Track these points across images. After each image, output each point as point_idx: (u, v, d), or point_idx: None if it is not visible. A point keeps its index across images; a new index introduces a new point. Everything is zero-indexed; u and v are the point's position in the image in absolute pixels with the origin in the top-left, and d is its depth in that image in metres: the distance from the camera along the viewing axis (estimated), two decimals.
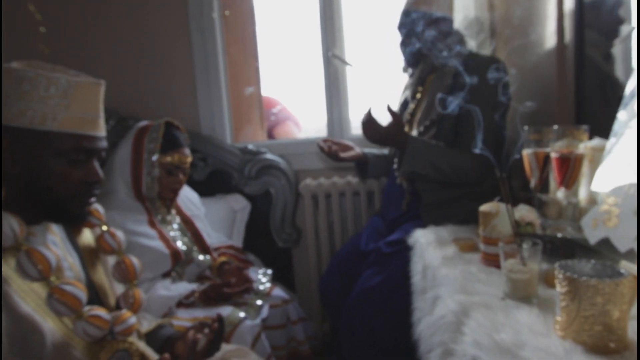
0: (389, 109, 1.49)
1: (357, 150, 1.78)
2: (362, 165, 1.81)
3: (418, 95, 1.65)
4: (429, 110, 1.55)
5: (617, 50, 1.19)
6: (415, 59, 1.63)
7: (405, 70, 1.71)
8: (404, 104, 1.73)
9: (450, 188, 1.51)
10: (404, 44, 1.63)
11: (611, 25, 1.16)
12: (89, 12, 2.12)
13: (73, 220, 0.97)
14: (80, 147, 0.90)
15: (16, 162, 0.87)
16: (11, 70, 0.86)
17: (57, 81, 0.87)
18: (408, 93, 1.72)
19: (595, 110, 1.25)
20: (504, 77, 1.44)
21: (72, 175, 0.91)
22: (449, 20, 1.59)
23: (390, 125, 1.48)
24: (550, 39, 1.46)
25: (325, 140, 1.76)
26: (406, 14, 1.59)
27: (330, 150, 1.73)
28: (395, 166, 1.66)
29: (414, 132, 1.58)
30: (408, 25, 1.58)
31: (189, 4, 2.09)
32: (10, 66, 0.87)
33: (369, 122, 1.49)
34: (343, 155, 1.74)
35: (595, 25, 1.23)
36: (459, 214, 1.43)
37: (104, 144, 0.96)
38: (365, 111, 1.50)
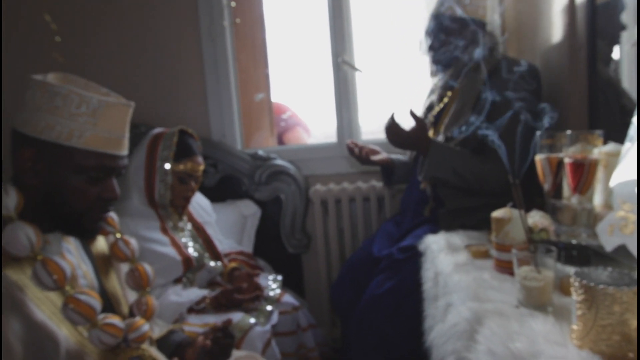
0: (412, 114, 1.47)
1: (384, 154, 1.77)
2: (388, 170, 1.80)
3: (445, 99, 1.63)
4: (458, 115, 1.52)
5: (630, 54, 1.18)
6: (446, 63, 1.59)
7: (433, 74, 1.69)
8: (429, 107, 1.71)
9: (473, 196, 1.47)
10: (432, 48, 1.59)
11: (613, 31, 1.15)
12: (102, 22, 2.15)
13: (85, 234, 0.99)
14: (102, 165, 0.92)
15: (37, 174, 0.89)
16: (46, 84, 0.88)
17: (88, 100, 0.89)
18: (434, 96, 1.70)
19: (602, 116, 1.23)
20: (539, 82, 1.42)
21: (90, 191, 0.92)
22: (481, 24, 1.56)
23: (414, 130, 1.46)
24: (559, 41, 1.44)
25: (352, 142, 1.75)
26: (436, 17, 1.56)
27: (362, 153, 1.72)
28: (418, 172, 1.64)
29: (441, 137, 1.56)
30: (438, 29, 1.55)
31: (200, 12, 2.11)
32: (46, 80, 0.89)
33: (393, 127, 1.47)
34: (374, 158, 1.74)
35: (597, 30, 1.22)
36: (479, 222, 1.40)
37: (125, 162, 0.97)
38: (389, 116, 1.48)
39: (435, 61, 1.61)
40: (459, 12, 1.51)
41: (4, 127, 2.12)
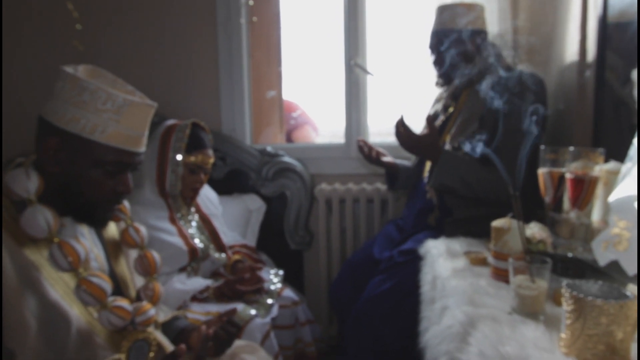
0: (429, 120, 1.49)
1: (391, 158, 1.81)
2: (393, 174, 1.83)
3: (451, 109, 1.65)
4: (465, 126, 1.53)
5: None
6: (451, 75, 1.61)
7: (438, 85, 1.71)
8: (434, 116, 1.73)
9: (481, 205, 1.48)
10: (436, 63, 1.62)
11: (632, 50, 1.17)
12: (121, 13, 2.19)
13: (95, 222, 1.02)
14: (120, 160, 0.95)
15: (58, 162, 0.93)
16: (76, 78, 0.91)
17: (115, 98, 0.92)
18: (439, 106, 1.72)
19: (611, 134, 1.25)
20: (544, 94, 1.44)
21: (106, 184, 0.96)
22: (483, 33, 1.58)
23: (425, 135, 1.48)
24: (572, 58, 1.46)
25: (362, 141, 1.79)
26: (437, 34, 1.58)
27: (371, 152, 1.76)
28: (426, 179, 1.65)
29: (447, 147, 1.57)
30: (439, 45, 1.57)
31: (218, 9, 2.14)
32: (77, 74, 0.92)
33: (404, 130, 1.48)
34: (383, 159, 1.78)
35: (616, 49, 1.24)
36: (485, 232, 1.42)
37: (141, 158, 1.01)
38: (398, 118, 1.49)
39: (440, 75, 1.64)
40: (458, 25, 1.53)
41: (4, 117, 2.17)
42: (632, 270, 0.78)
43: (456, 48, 1.52)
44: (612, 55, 1.25)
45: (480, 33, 1.57)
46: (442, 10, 1.59)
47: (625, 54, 1.23)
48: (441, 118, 1.67)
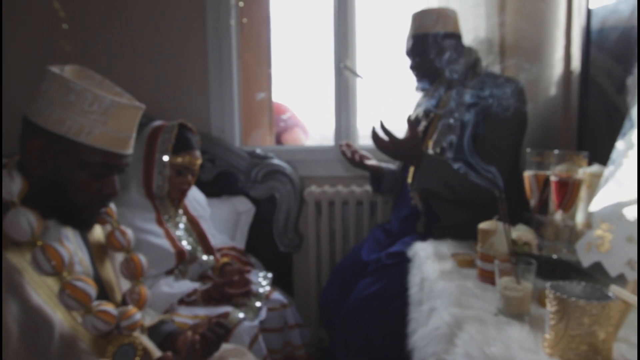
0: (410, 122, 1.48)
1: (375, 161, 1.81)
2: (377, 177, 1.83)
3: (432, 114, 1.65)
4: (447, 131, 1.53)
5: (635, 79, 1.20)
6: (429, 80, 1.63)
7: (418, 89, 1.72)
8: (416, 121, 1.73)
9: (468, 209, 1.48)
10: (414, 68, 1.64)
11: (630, 55, 1.17)
12: (109, 12, 2.17)
13: (81, 225, 1.01)
14: (106, 162, 0.94)
15: (43, 164, 0.92)
16: (62, 79, 0.90)
17: (102, 99, 0.91)
18: (420, 110, 1.72)
19: (600, 138, 1.26)
20: (523, 98, 1.46)
21: (91, 186, 0.95)
22: (457, 36, 1.60)
23: (407, 139, 1.47)
24: (558, 64, 1.49)
25: (346, 144, 1.79)
26: (412, 39, 1.61)
27: (354, 156, 1.76)
28: (410, 183, 1.65)
29: (430, 152, 1.56)
30: (416, 50, 1.60)
31: (208, 9, 2.14)
32: (63, 74, 0.91)
33: (387, 134, 1.47)
34: (367, 162, 1.78)
35: (612, 53, 1.22)
36: (474, 236, 1.41)
37: (128, 160, 1.00)
38: (377, 123, 1.48)
39: (418, 79, 1.66)
40: (432, 29, 1.55)
41: (4, 115, 2.13)
42: (614, 271, 0.79)
43: (431, 52, 1.54)
44: (609, 61, 1.24)
45: (454, 37, 1.59)
46: (416, 16, 1.62)
47: (622, 59, 1.22)
48: (423, 123, 1.68)
